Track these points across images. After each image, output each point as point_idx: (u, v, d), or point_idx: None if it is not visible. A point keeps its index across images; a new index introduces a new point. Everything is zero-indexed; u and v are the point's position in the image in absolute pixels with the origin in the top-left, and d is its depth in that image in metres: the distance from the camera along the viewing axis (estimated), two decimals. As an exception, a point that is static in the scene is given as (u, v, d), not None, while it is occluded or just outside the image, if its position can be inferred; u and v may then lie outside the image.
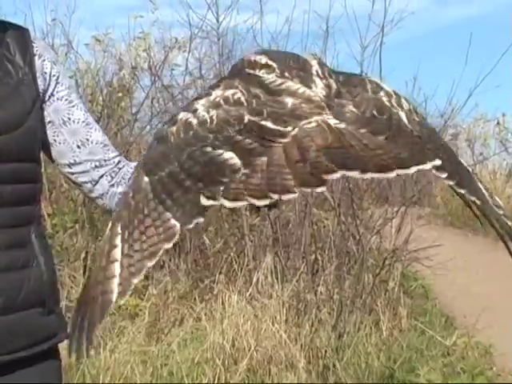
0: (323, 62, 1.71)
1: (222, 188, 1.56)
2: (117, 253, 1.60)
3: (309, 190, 1.59)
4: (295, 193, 1.55)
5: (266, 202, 1.56)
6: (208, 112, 1.60)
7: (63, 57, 7.58)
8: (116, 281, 1.58)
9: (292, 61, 1.66)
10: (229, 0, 6.50)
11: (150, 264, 1.58)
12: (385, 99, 1.64)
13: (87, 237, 6.19)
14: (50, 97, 1.94)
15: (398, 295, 5.93)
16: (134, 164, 1.97)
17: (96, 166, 1.96)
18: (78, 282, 5.55)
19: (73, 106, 1.95)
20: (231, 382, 4.54)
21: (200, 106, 1.62)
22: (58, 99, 1.94)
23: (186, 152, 1.59)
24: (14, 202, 1.82)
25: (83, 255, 5.89)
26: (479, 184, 1.72)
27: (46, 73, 1.93)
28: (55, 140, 1.93)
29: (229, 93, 1.61)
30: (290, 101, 1.59)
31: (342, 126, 1.57)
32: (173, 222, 1.58)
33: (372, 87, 1.65)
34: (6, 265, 1.78)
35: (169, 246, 1.59)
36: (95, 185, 1.97)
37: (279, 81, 1.62)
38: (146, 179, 1.62)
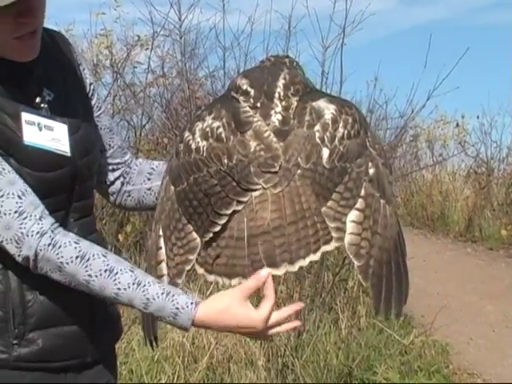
0: (294, 73, 1.79)
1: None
2: (162, 254, 1.73)
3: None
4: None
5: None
6: (201, 140, 1.71)
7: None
8: (165, 279, 1.71)
9: (267, 84, 1.75)
10: (191, -2, 6.50)
11: (188, 268, 1.71)
12: (317, 135, 1.69)
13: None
14: None
15: (357, 294, 5.97)
16: (139, 161, 2.07)
17: (113, 169, 2.02)
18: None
19: (101, 113, 1.97)
20: (191, 380, 4.54)
21: (198, 130, 1.72)
22: (91, 106, 1.94)
23: (191, 177, 1.70)
24: (86, 214, 1.88)
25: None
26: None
27: (87, 83, 1.93)
28: None
29: (214, 125, 1.71)
30: (252, 145, 1.68)
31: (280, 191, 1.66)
32: (194, 234, 1.70)
33: (310, 119, 1.71)
34: None
35: (192, 257, 1.70)
36: (110, 185, 2.04)
37: (250, 112, 1.72)
38: (172, 188, 1.73)
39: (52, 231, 1.66)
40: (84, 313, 1.80)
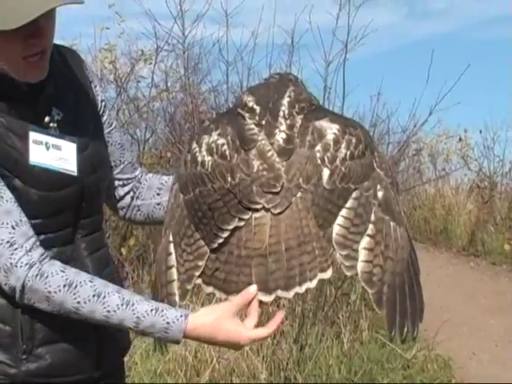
0: (299, 90, 1.80)
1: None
2: (172, 259, 1.74)
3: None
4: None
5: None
6: (206, 155, 1.73)
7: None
8: (176, 284, 1.73)
9: (272, 102, 1.76)
10: (195, 13, 6.53)
11: (197, 274, 1.71)
12: (318, 155, 1.69)
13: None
14: None
15: (359, 308, 5.96)
16: (149, 176, 2.07)
17: (123, 184, 2.03)
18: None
19: (112, 129, 1.98)
20: (193, 393, 4.54)
21: (204, 143, 1.74)
22: (102, 123, 1.95)
23: (197, 189, 1.72)
24: (94, 230, 1.89)
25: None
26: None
27: (98, 100, 1.94)
28: None
29: (220, 142, 1.73)
30: (255, 165, 1.69)
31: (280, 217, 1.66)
32: (202, 242, 1.72)
33: (312, 139, 1.70)
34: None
35: (201, 263, 1.71)
36: (120, 200, 2.05)
37: (254, 130, 1.72)
38: (181, 196, 1.75)
39: (40, 262, 1.68)
40: (91, 328, 1.80)
